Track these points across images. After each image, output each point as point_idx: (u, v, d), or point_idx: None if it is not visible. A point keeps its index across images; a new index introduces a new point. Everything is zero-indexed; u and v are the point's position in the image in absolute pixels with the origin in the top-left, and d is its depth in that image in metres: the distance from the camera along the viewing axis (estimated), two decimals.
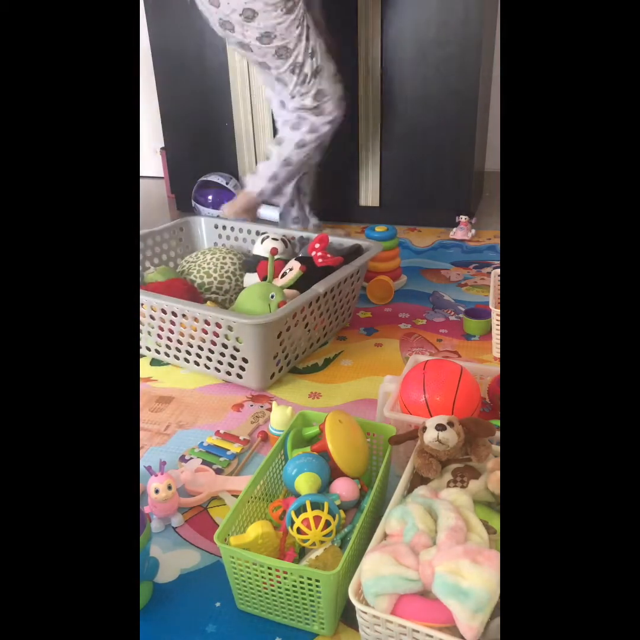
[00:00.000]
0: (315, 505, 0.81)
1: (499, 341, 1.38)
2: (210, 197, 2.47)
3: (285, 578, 0.75)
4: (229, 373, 1.33)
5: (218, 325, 1.23)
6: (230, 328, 1.22)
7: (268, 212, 2.31)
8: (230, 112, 2.39)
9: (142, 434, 1.19)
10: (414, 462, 0.86)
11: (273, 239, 1.65)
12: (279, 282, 1.40)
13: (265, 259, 1.48)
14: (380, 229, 1.74)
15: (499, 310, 1.37)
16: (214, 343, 1.29)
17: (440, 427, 0.84)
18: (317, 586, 0.73)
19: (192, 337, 1.31)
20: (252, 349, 1.23)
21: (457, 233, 2.17)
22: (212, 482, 1.04)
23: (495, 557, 0.66)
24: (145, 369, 1.44)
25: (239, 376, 1.31)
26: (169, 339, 1.36)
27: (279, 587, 0.76)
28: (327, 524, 0.80)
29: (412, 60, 2.08)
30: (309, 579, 0.73)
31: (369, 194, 2.37)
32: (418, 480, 0.85)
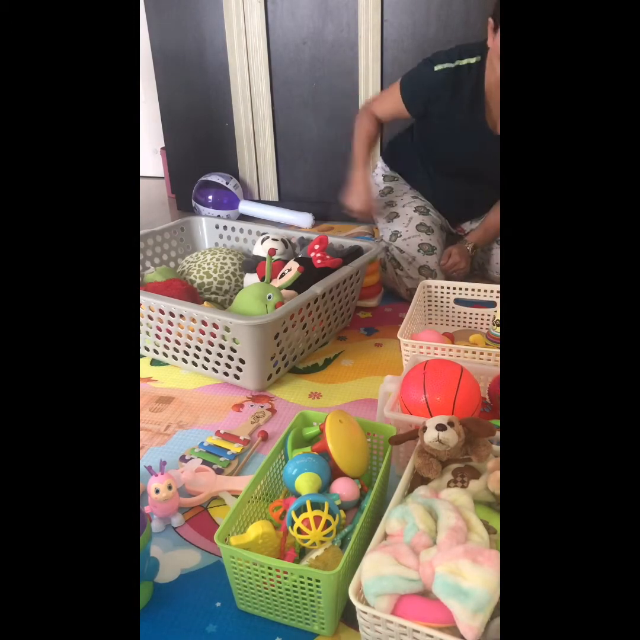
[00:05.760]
0: (316, 505, 0.81)
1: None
2: (210, 197, 2.47)
3: (285, 578, 0.75)
4: (226, 374, 1.32)
5: (215, 325, 1.23)
6: (227, 329, 1.22)
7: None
8: (230, 112, 2.39)
9: (142, 434, 1.19)
10: (414, 462, 0.86)
11: (273, 239, 1.65)
12: (277, 282, 1.39)
13: (265, 259, 1.48)
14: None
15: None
16: (211, 344, 1.28)
17: (440, 427, 0.84)
18: (317, 586, 0.73)
19: (190, 338, 1.31)
20: (248, 350, 1.23)
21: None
22: (212, 482, 1.04)
23: (495, 557, 0.66)
24: (145, 369, 1.44)
25: (236, 377, 1.31)
26: (168, 339, 1.36)
27: (279, 587, 0.76)
28: (328, 524, 0.80)
29: (412, 60, 2.08)
30: (309, 579, 0.73)
31: None
32: (418, 480, 0.85)
